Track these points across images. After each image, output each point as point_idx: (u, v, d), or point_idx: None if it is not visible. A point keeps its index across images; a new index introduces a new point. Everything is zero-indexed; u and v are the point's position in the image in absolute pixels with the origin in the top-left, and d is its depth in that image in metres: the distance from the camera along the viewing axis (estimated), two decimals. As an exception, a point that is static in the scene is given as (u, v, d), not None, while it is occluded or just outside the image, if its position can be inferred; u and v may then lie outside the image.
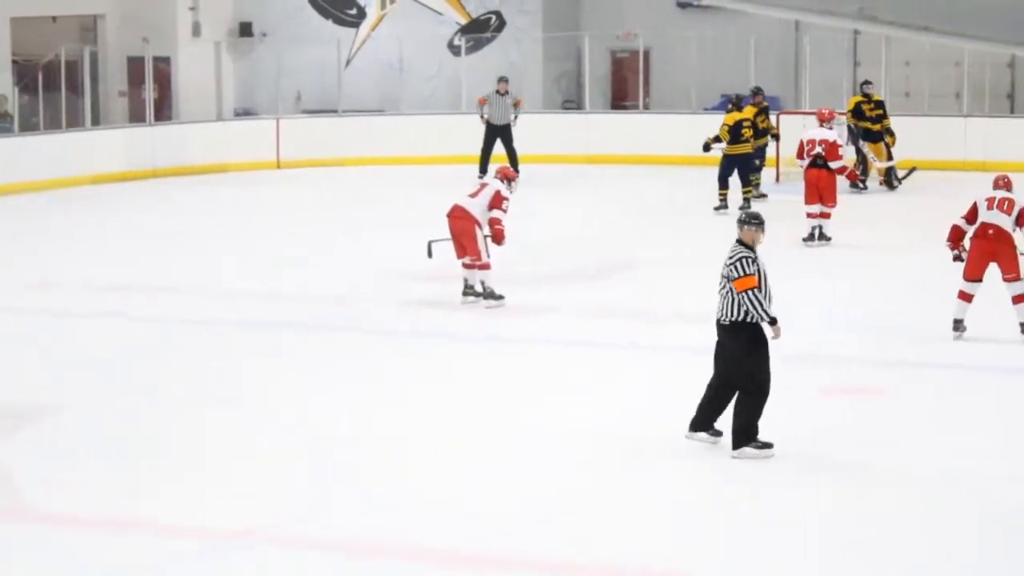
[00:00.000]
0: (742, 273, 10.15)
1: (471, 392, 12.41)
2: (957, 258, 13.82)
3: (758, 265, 10.22)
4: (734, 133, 22.55)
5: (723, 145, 22.59)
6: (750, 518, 9.24)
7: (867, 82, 26.10)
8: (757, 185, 23.53)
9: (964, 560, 8.47)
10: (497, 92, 27.25)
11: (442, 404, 11.95)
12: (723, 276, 10.25)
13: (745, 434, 10.20)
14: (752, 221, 10.42)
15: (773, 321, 10.22)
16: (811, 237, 19.41)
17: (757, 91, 24.43)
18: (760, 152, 23.93)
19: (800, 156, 19.94)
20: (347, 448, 10.74)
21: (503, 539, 8.86)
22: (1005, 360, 13.18)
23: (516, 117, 27.04)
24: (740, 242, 10.35)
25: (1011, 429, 11.10)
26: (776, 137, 24.87)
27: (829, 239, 19.41)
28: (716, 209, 22.25)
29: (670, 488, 9.85)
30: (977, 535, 8.85)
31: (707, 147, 22.98)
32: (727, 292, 10.20)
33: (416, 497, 9.59)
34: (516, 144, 26.89)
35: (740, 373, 10.21)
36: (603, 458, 10.37)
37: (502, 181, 15.82)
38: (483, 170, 25.99)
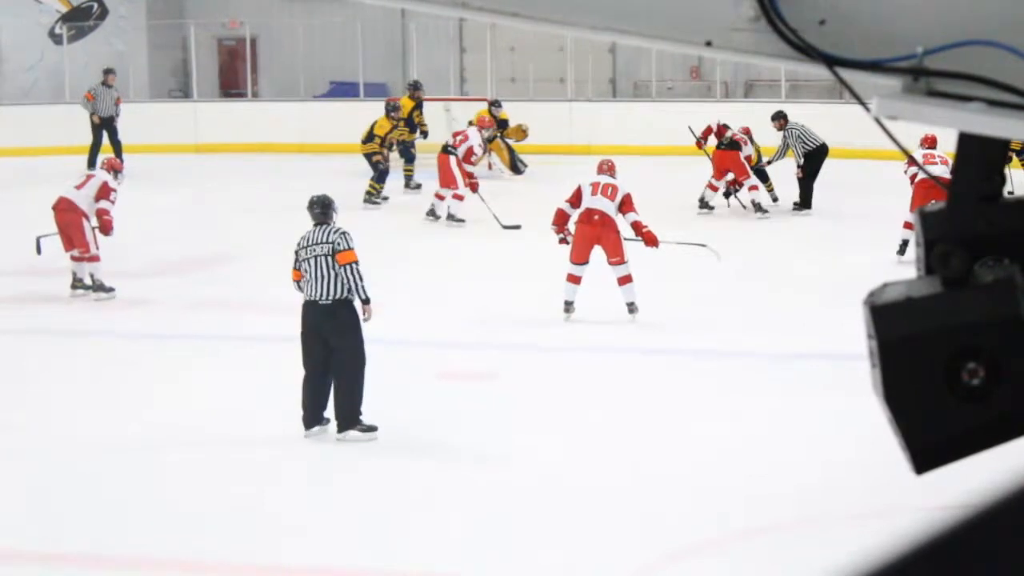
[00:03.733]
0: (347, 246, 10.26)
1: (87, 385, 12.06)
2: (563, 241, 14.11)
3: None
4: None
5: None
6: (362, 505, 9.19)
7: (496, 103, 26.16)
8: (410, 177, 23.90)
9: (568, 534, 8.61)
10: (104, 84, 26.60)
11: (59, 400, 11.55)
12: (316, 256, 10.23)
13: (352, 417, 10.17)
14: (327, 204, 10.59)
15: (368, 300, 10.29)
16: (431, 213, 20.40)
17: (417, 85, 24.48)
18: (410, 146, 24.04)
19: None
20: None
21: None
22: (613, 339, 13.51)
23: (118, 114, 26.47)
24: (320, 224, 10.47)
25: (616, 405, 11.36)
26: (424, 134, 24.64)
27: (463, 221, 20.07)
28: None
29: (278, 480, 9.72)
30: (589, 503, 9.03)
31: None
32: (328, 271, 10.17)
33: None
34: (122, 134, 26.28)
35: (343, 352, 10.15)
36: (210, 450, 10.18)
37: (108, 172, 15.57)
38: (91, 164, 25.37)
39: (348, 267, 10.19)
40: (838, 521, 8.73)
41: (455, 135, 21.26)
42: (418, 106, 24.02)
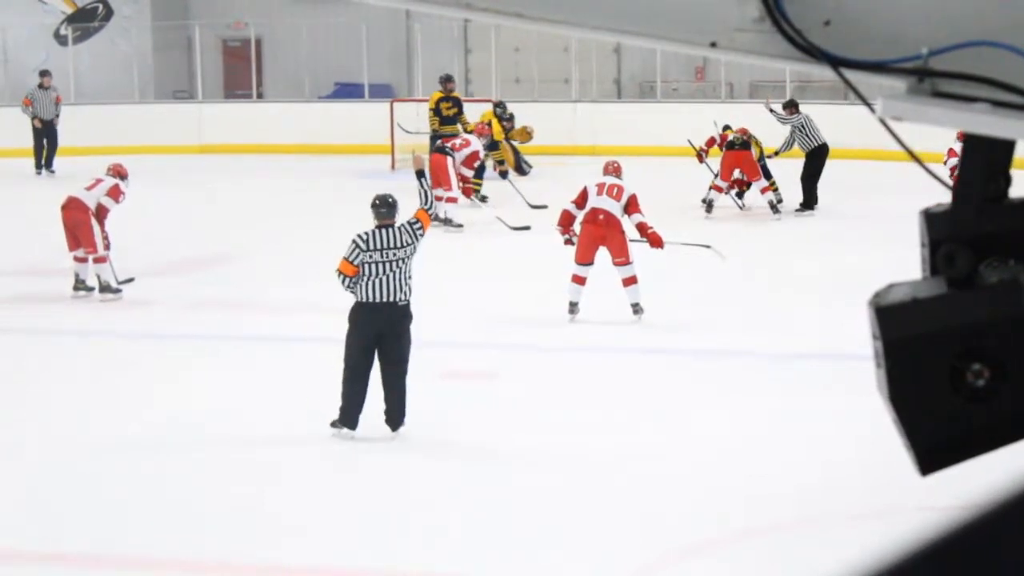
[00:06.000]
0: (424, 232, 10.47)
1: (87, 385, 12.06)
2: (568, 242, 14.10)
3: None
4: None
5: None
6: (362, 505, 9.18)
7: (501, 104, 26.04)
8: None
9: (568, 534, 8.60)
10: (40, 87, 26.76)
11: (59, 400, 11.56)
12: (399, 259, 10.22)
13: (404, 412, 10.26)
14: (393, 203, 10.50)
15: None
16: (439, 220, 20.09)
17: (447, 78, 24.44)
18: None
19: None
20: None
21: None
22: (613, 339, 13.51)
23: (58, 114, 26.55)
24: (387, 226, 10.38)
25: (616, 405, 11.34)
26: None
27: (460, 226, 19.79)
28: None
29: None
30: (589, 503, 9.04)
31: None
32: (407, 272, 10.25)
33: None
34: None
35: (404, 352, 10.24)
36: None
37: (116, 178, 15.57)
38: (39, 166, 25.74)
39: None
40: (838, 521, 8.72)
41: (449, 140, 21.14)
42: (446, 98, 23.90)
